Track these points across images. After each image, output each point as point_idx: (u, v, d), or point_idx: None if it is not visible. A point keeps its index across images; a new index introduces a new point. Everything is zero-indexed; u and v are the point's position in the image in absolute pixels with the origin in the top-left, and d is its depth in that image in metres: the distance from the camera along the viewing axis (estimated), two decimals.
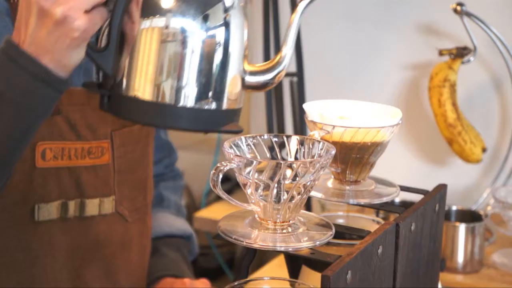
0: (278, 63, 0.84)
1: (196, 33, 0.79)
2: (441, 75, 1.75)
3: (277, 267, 1.56)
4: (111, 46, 0.79)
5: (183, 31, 0.78)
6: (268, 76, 0.84)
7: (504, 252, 1.61)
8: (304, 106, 0.89)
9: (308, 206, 1.90)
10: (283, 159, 0.80)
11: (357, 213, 1.17)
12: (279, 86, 2.07)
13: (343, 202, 0.87)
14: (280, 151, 0.82)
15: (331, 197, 0.88)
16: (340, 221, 1.01)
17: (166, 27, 0.78)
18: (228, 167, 0.74)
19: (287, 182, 0.74)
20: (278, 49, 2.06)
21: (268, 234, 0.76)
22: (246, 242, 0.74)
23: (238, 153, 0.77)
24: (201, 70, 0.79)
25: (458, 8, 1.72)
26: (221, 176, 0.73)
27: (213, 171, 0.74)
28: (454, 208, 1.62)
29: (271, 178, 0.73)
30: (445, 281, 1.45)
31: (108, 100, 0.83)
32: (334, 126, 0.84)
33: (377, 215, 1.48)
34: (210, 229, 2.19)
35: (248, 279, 0.88)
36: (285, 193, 0.75)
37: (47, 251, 1.05)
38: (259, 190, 0.75)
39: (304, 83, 2.07)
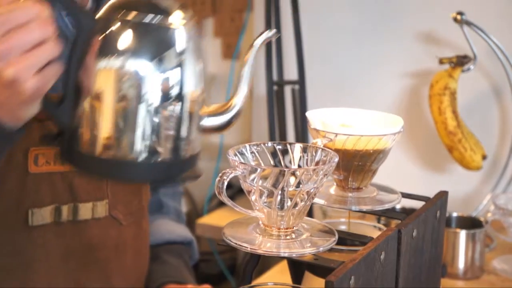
0: (233, 106, 0.81)
1: (149, 86, 0.76)
2: (441, 83, 1.76)
3: (279, 274, 1.56)
4: (67, 99, 0.78)
5: (135, 85, 0.76)
6: (227, 116, 0.81)
7: (504, 258, 1.61)
8: (307, 114, 0.90)
9: (310, 214, 1.91)
10: (286, 166, 0.80)
11: (358, 219, 1.17)
12: (281, 94, 2.08)
13: (346, 208, 0.88)
14: (283, 159, 0.83)
15: (334, 203, 0.88)
16: (342, 227, 1.01)
17: (120, 79, 0.76)
18: (233, 174, 0.74)
19: (290, 189, 0.74)
20: (280, 58, 2.08)
21: (272, 240, 0.76)
22: (250, 248, 0.75)
23: (242, 160, 0.78)
24: (155, 123, 0.77)
25: (458, 17, 1.73)
26: (226, 183, 0.74)
27: (218, 178, 0.74)
28: (454, 214, 1.62)
29: (275, 185, 0.74)
30: (446, 287, 1.46)
31: (67, 152, 0.81)
32: (336, 134, 0.85)
33: (379, 222, 1.49)
34: (212, 235, 2.20)
35: (252, 284, 0.89)
36: (289, 200, 0.75)
37: (42, 255, 1.06)
38: (263, 197, 0.75)
39: (306, 91, 2.08)
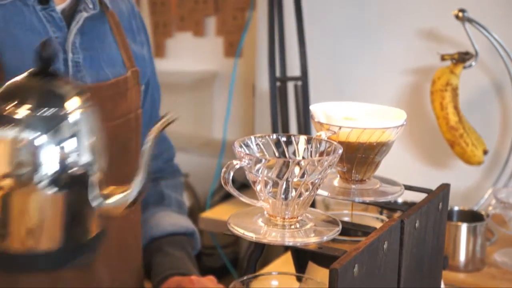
0: (131, 189, 0.80)
1: (35, 178, 0.73)
2: (443, 80, 1.77)
3: (282, 265, 1.57)
4: None
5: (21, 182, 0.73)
6: (124, 199, 0.80)
7: (505, 251, 1.62)
8: (311, 107, 0.90)
9: (312, 206, 1.92)
10: (290, 158, 0.81)
11: (361, 211, 1.19)
12: (284, 90, 2.09)
13: (349, 200, 0.89)
14: (288, 150, 0.83)
15: (337, 195, 0.89)
16: (345, 219, 1.03)
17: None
18: (239, 165, 0.75)
19: (295, 179, 0.75)
20: (283, 55, 2.09)
21: (277, 229, 0.77)
22: (256, 237, 0.75)
23: (248, 151, 0.79)
24: (44, 215, 0.75)
25: (460, 14, 1.75)
26: (232, 173, 0.75)
27: (224, 168, 0.75)
28: (456, 208, 1.63)
29: (280, 176, 0.75)
30: (447, 279, 1.47)
31: None
32: (340, 127, 0.85)
33: (381, 214, 1.50)
34: (214, 229, 2.21)
35: (256, 273, 0.90)
36: (294, 190, 0.76)
37: None
38: (268, 187, 0.76)
39: (309, 88, 2.09)
